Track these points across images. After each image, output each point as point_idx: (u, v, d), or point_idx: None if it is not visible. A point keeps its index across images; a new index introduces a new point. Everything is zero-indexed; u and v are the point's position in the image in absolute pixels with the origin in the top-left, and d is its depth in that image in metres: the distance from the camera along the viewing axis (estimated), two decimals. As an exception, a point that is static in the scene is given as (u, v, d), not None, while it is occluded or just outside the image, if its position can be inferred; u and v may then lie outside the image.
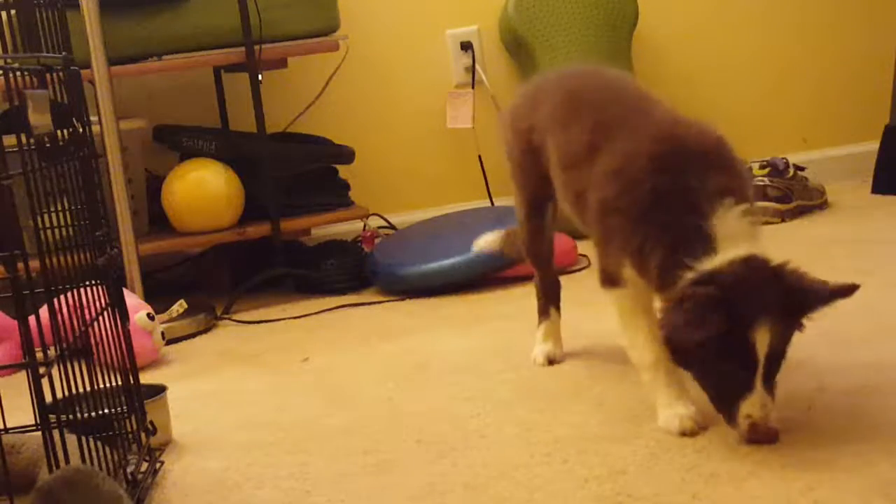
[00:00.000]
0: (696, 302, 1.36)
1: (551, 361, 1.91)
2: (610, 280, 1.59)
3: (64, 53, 1.49)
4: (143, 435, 1.60)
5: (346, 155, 2.95)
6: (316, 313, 2.55)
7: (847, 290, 1.42)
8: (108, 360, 1.52)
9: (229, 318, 2.59)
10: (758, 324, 1.36)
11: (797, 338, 1.85)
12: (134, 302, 2.24)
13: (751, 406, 1.39)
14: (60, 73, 1.46)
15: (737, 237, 1.41)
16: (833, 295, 1.41)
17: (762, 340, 1.37)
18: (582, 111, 1.70)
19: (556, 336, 1.95)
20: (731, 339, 1.36)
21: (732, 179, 1.47)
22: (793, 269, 1.43)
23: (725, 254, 1.40)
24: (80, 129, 1.51)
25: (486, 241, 2.12)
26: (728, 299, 1.36)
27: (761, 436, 1.40)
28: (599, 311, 2.11)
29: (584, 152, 1.63)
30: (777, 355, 1.40)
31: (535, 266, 1.96)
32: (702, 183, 1.44)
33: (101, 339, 1.49)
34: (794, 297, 1.41)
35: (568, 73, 1.87)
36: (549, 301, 1.95)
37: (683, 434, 1.49)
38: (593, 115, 1.67)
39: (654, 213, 1.46)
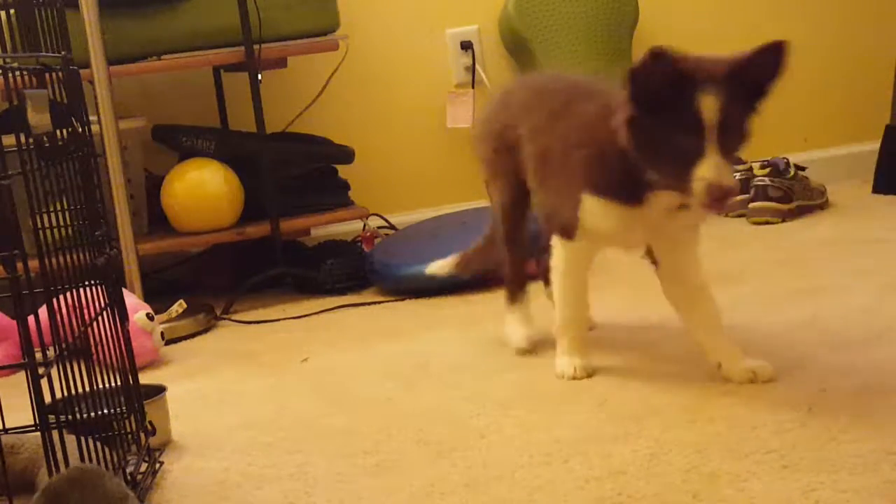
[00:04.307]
0: (644, 58, 1.45)
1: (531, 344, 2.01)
2: (565, 230, 1.75)
3: (63, 53, 1.49)
4: (142, 435, 1.59)
5: (346, 155, 2.95)
6: (316, 313, 2.55)
7: (778, 47, 1.47)
8: (108, 361, 1.52)
9: (229, 318, 2.59)
10: (703, 88, 1.43)
11: (798, 339, 1.87)
12: (133, 302, 2.24)
13: (704, 168, 1.43)
14: (59, 73, 1.46)
15: None
16: (772, 59, 1.47)
17: (709, 106, 1.43)
18: (543, 100, 1.87)
19: (530, 319, 2.04)
20: (678, 105, 1.44)
21: None
22: (739, 54, 1.48)
23: None
24: (80, 129, 1.51)
25: (439, 266, 2.25)
26: (671, 61, 1.44)
27: (717, 194, 1.44)
28: (601, 311, 2.12)
29: (545, 125, 1.81)
30: (731, 125, 1.45)
31: (511, 254, 2.04)
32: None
33: (101, 339, 1.48)
34: (744, 72, 1.47)
35: (532, 77, 2.08)
36: (520, 287, 2.05)
37: (574, 379, 1.77)
38: (555, 97, 1.84)
39: (593, 132, 1.64)
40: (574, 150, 1.71)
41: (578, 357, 1.80)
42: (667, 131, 1.47)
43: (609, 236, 1.72)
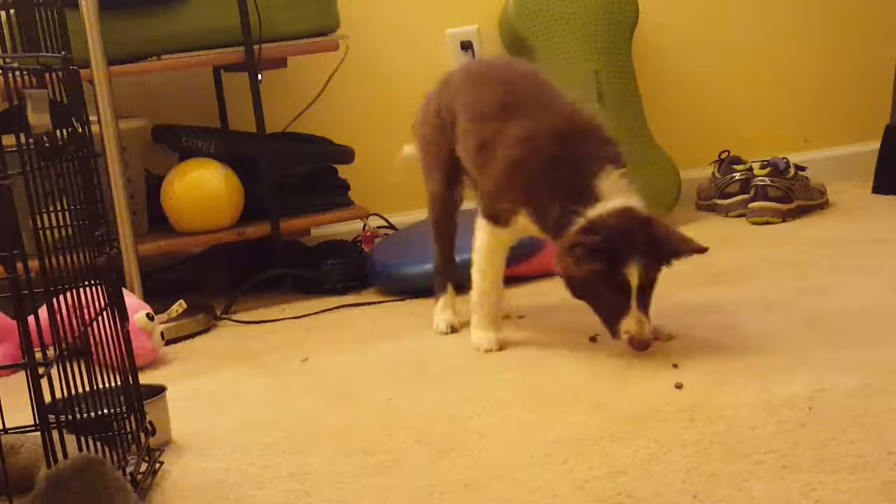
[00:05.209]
0: (583, 248, 1.77)
1: (453, 329, 2.19)
2: (496, 218, 2.00)
3: (63, 53, 1.49)
4: (142, 435, 1.59)
5: (346, 155, 2.95)
6: (316, 313, 2.55)
7: (700, 249, 1.83)
8: (108, 361, 1.52)
9: (229, 318, 2.59)
10: (630, 263, 1.77)
11: (798, 339, 1.87)
12: (133, 302, 2.24)
13: (628, 323, 1.81)
14: (59, 73, 1.46)
15: (616, 192, 1.82)
16: (689, 250, 1.83)
17: (633, 275, 1.78)
18: (492, 80, 2.08)
19: (454, 307, 2.24)
20: (610, 274, 1.78)
21: (612, 151, 1.88)
22: (660, 221, 1.84)
23: (607, 204, 1.80)
24: (80, 129, 1.51)
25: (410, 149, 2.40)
26: (607, 245, 1.77)
27: (637, 345, 1.82)
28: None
29: (494, 111, 2.00)
30: (647, 286, 1.81)
31: (440, 245, 2.26)
32: (589, 153, 1.86)
33: (101, 339, 1.49)
34: (660, 245, 1.81)
35: (468, 63, 2.28)
36: (447, 278, 2.25)
37: (489, 351, 2.01)
38: (504, 85, 2.04)
39: (555, 175, 1.86)
40: (518, 169, 1.91)
41: (492, 331, 2.03)
42: (601, 287, 1.80)
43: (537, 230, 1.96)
